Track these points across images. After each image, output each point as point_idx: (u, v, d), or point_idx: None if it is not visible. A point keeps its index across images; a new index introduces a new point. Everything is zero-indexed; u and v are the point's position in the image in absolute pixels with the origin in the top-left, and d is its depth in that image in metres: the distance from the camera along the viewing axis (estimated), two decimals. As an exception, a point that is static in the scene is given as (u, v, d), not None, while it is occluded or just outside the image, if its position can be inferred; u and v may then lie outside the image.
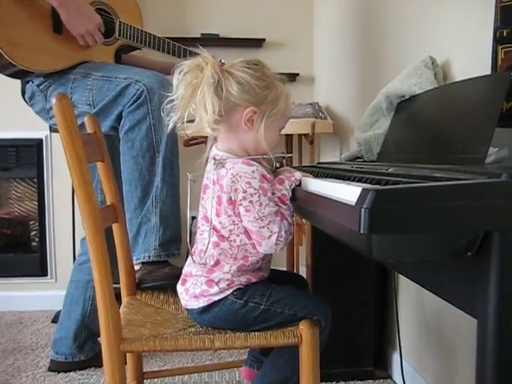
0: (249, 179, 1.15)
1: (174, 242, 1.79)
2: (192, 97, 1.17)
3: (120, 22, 1.99)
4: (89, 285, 2.08)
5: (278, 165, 1.34)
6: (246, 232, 1.19)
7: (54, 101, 1.16)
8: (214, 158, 1.22)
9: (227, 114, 1.20)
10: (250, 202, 1.15)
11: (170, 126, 1.21)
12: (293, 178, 1.19)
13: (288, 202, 1.18)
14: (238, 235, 1.20)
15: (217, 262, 1.22)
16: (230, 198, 1.17)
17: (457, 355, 1.55)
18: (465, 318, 0.90)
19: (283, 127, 1.29)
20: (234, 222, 1.19)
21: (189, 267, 1.29)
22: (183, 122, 1.21)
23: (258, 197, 1.14)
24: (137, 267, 1.68)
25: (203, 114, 1.17)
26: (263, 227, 1.15)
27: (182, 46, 2.16)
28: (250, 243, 1.20)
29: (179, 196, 1.83)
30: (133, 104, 1.77)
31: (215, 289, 1.21)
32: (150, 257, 1.73)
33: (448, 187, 0.72)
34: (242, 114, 1.20)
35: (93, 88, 1.83)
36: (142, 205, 1.76)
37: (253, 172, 1.16)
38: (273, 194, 1.18)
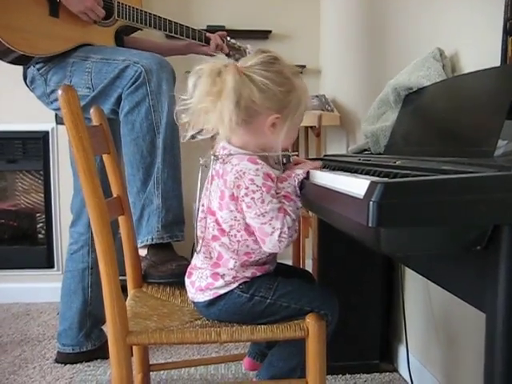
0: (252, 176, 1.14)
1: (177, 223, 1.77)
2: (211, 107, 1.14)
3: (118, 2, 1.98)
4: (85, 273, 2.08)
5: (284, 160, 1.34)
6: (247, 229, 1.18)
7: (59, 92, 1.15)
8: (214, 154, 1.22)
9: (248, 120, 1.18)
10: (252, 198, 1.14)
11: (188, 138, 1.20)
12: (293, 175, 1.18)
13: (293, 197, 1.17)
14: (238, 231, 1.19)
15: (220, 256, 1.22)
16: (233, 193, 1.16)
17: (464, 349, 1.55)
18: (472, 312, 0.89)
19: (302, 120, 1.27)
20: (235, 217, 1.18)
21: (195, 260, 1.29)
22: (199, 132, 1.19)
23: (261, 194, 1.14)
24: (142, 252, 1.68)
25: (219, 124, 1.15)
26: (265, 223, 1.14)
27: (185, 25, 2.15)
28: (252, 239, 1.19)
29: (181, 177, 1.82)
30: (131, 86, 1.75)
31: (220, 282, 1.21)
32: (152, 239, 1.72)
33: (457, 180, 0.71)
34: (264, 121, 1.18)
35: (91, 71, 1.82)
36: (145, 187, 1.76)
37: (257, 170, 1.15)
38: (277, 193, 1.17)
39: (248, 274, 1.22)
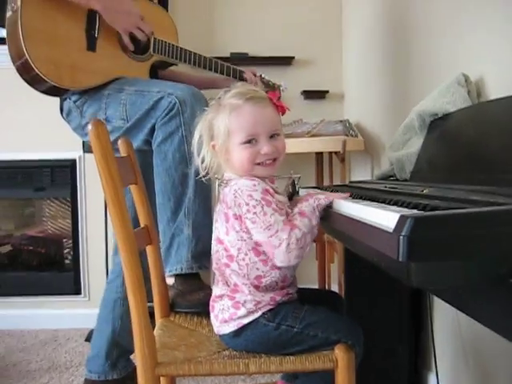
0: (250, 192, 1.16)
1: (207, 254, 1.77)
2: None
3: (155, 38, 2.02)
4: (116, 303, 2.08)
5: (290, 189, 1.34)
6: (255, 249, 1.19)
7: (89, 127, 1.18)
8: (218, 179, 1.30)
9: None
10: (254, 213, 1.15)
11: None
12: (314, 197, 1.19)
13: (308, 215, 1.16)
14: (246, 253, 1.20)
15: (235, 283, 1.23)
16: (235, 213, 1.19)
17: (495, 379, 1.51)
18: (504, 342, 0.88)
19: (249, 138, 1.22)
20: (242, 237, 1.19)
21: (214, 290, 1.30)
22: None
23: (262, 207, 1.15)
24: (170, 280, 1.68)
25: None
26: (271, 236, 1.14)
27: (219, 61, 2.18)
28: (260, 260, 1.19)
29: (212, 208, 1.83)
30: (165, 116, 1.77)
31: (243, 310, 1.21)
32: (182, 269, 1.73)
33: (488, 213, 0.70)
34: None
35: (126, 103, 1.85)
36: (175, 216, 1.77)
37: (254, 185, 1.17)
38: (291, 210, 1.20)
39: (267, 298, 1.21)
